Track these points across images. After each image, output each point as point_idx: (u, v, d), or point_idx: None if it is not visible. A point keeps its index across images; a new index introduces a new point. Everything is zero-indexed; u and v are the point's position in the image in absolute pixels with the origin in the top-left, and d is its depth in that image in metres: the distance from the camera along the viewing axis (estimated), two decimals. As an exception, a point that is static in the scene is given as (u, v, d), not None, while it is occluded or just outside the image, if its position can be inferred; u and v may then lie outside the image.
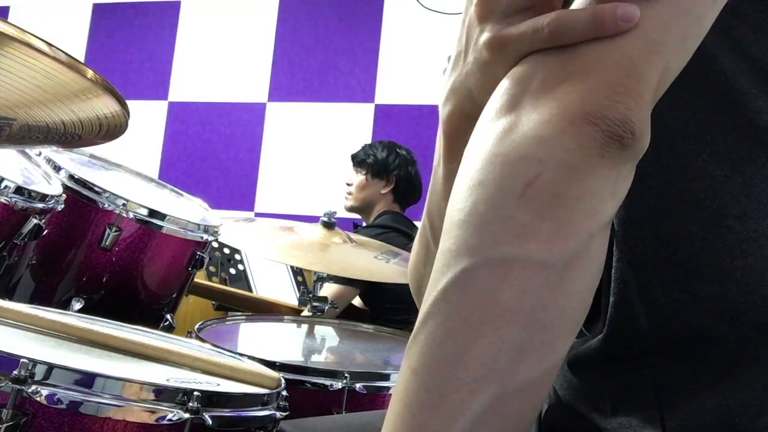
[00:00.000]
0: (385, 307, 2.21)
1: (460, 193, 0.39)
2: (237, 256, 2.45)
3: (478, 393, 0.35)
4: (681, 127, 0.47)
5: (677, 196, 0.47)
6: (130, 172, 1.56)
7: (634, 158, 0.39)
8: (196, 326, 1.29)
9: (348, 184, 2.51)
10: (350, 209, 2.52)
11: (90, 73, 0.58)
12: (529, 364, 0.36)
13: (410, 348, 0.38)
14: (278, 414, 0.82)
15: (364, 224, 2.52)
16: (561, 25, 0.40)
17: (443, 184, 0.56)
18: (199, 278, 2.09)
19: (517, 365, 0.36)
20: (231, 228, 1.60)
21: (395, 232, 2.28)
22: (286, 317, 1.66)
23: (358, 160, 2.51)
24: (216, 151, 3.72)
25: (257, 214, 3.57)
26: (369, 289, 2.19)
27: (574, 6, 0.42)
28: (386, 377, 1.17)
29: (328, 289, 2.12)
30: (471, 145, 0.41)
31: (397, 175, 2.44)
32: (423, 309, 0.38)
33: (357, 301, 2.27)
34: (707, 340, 0.47)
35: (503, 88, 0.41)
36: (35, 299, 1.25)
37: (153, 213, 1.28)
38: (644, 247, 0.49)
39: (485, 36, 0.45)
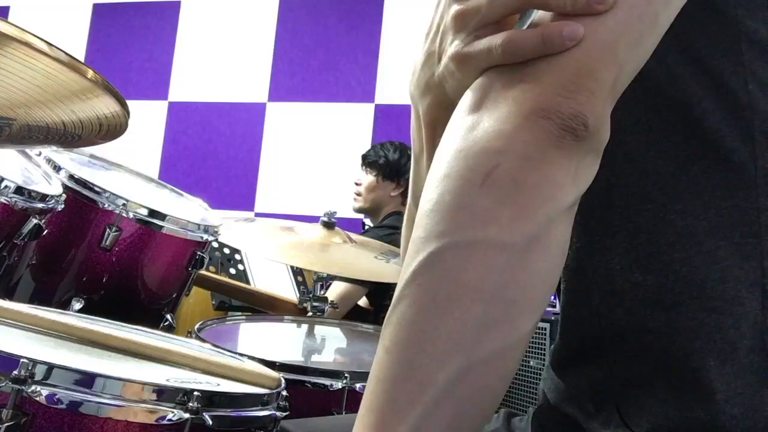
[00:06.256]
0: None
1: (430, 185, 0.42)
2: (237, 256, 2.44)
3: (445, 365, 0.38)
4: (631, 124, 0.49)
5: (625, 189, 0.50)
6: (130, 172, 1.55)
7: (594, 150, 0.42)
8: (196, 326, 1.29)
9: (357, 184, 2.48)
10: (359, 210, 2.50)
11: (90, 73, 0.58)
12: (492, 337, 0.39)
13: (384, 330, 0.41)
14: (278, 414, 0.82)
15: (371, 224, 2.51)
16: (512, 46, 0.43)
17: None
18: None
19: (481, 339, 0.38)
20: (231, 228, 1.60)
21: None
22: (286, 317, 1.66)
23: (369, 161, 2.46)
24: (216, 151, 3.72)
25: (257, 214, 3.57)
26: (377, 289, 2.17)
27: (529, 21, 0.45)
28: (386, 377, 1.17)
29: (336, 288, 2.10)
30: (441, 142, 0.44)
31: (408, 177, 2.40)
32: (396, 293, 0.41)
33: (362, 301, 2.26)
34: (645, 331, 0.48)
35: (468, 94, 0.45)
36: (35, 299, 1.25)
37: (153, 213, 1.28)
38: (589, 236, 0.51)
39: (451, 50, 0.48)
